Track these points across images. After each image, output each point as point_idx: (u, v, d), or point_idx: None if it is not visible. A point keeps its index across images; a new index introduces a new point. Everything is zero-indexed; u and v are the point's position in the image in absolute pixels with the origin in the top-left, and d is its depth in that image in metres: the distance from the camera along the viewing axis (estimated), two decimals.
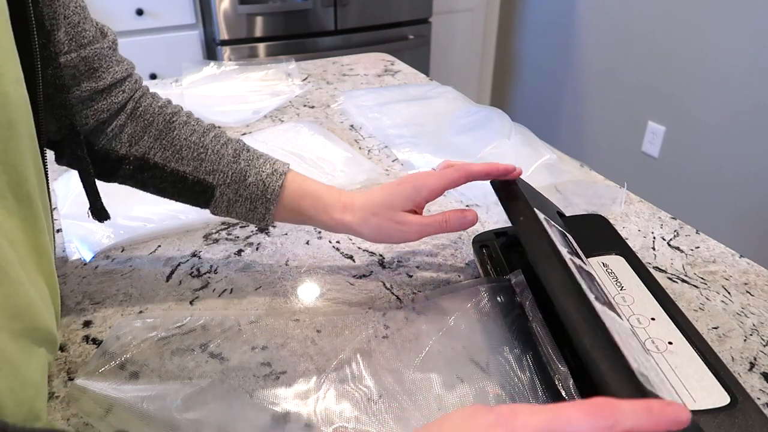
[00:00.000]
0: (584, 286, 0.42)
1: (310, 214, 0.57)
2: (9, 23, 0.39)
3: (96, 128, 0.55)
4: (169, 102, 0.59)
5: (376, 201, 0.56)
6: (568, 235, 0.55)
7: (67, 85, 0.48)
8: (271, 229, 0.70)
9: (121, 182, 0.57)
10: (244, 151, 0.57)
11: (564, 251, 0.47)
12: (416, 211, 0.57)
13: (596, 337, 0.37)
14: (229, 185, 0.56)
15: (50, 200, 0.48)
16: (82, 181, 0.54)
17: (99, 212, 0.56)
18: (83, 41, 0.52)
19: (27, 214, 0.41)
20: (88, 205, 0.55)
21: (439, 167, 0.58)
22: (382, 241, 0.58)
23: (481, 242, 0.63)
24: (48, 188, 0.47)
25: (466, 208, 0.54)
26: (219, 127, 0.59)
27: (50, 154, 0.52)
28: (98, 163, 0.55)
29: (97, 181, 0.55)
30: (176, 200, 0.58)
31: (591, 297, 0.41)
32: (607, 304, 0.44)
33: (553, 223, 0.53)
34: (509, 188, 0.55)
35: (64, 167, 0.56)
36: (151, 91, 0.59)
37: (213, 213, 0.58)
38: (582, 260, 0.51)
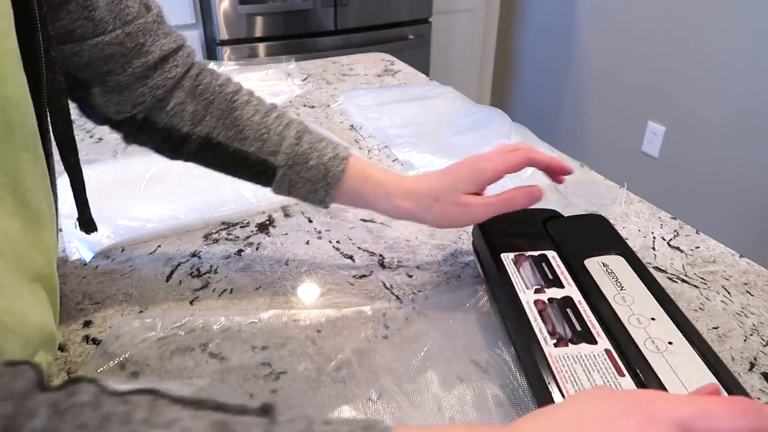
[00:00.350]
0: (538, 329, 0.48)
1: (371, 199, 0.57)
2: (13, 27, 0.39)
3: (155, 106, 0.55)
4: (229, 80, 0.58)
5: (439, 186, 0.55)
6: (549, 258, 0.56)
7: (65, 90, 0.47)
8: (271, 229, 0.70)
9: (185, 160, 0.57)
10: (306, 133, 0.57)
11: (529, 292, 0.52)
12: (478, 193, 0.56)
13: (539, 381, 0.44)
14: (291, 167, 0.56)
15: (57, 202, 0.48)
16: (72, 190, 0.53)
17: (87, 224, 0.55)
18: (127, 18, 0.51)
19: (26, 214, 0.41)
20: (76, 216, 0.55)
21: (496, 151, 0.56)
22: (446, 225, 0.57)
23: None
24: (55, 191, 0.47)
25: (531, 184, 0.55)
26: (279, 107, 0.59)
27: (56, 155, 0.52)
28: (162, 141, 0.56)
29: (87, 186, 0.54)
30: (239, 178, 0.58)
31: (543, 339, 0.47)
32: (568, 340, 0.47)
33: (529, 254, 0.57)
34: (480, 239, 0.60)
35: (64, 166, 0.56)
36: (208, 66, 0.58)
37: (274, 192, 0.58)
38: (561, 282, 0.53)
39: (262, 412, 0.27)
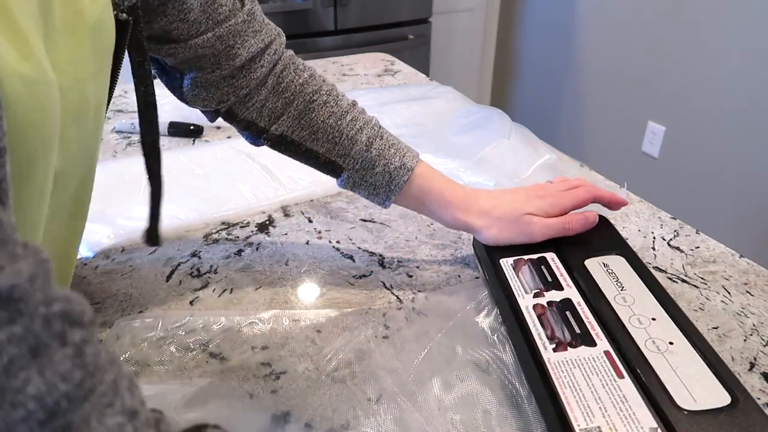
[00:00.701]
0: (537, 334, 0.48)
1: (432, 208, 0.59)
2: (112, 55, 0.40)
3: (237, 101, 0.57)
4: (312, 76, 0.59)
5: (505, 204, 0.58)
6: (549, 260, 0.56)
7: (155, 104, 0.48)
8: (271, 229, 0.70)
9: (263, 146, 0.60)
10: (377, 138, 0.58)
11: (528, 297, 0.52)
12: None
13: (538, 388, 0.45)
14: (357, 171, 0.58)
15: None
16: (150, 200, 0.52)
17: (154, 238, 0.54)
18: (219, 17, 0.52)
19: (79, 226, 0.42)
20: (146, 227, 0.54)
21: (562, 185, 0.61)
22: (504, 243, 0.59)
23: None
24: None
25: (588, 211, 0.59)
26: (358, 107, 0.60)
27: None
28: (243, 129, 0.59)
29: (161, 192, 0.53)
30: (311, 167, 0.61)
31: (542, 345, 0.47)
32: (567, 344, 0.47)
33: (527, 258, 0.57)
34: (479, 246, 0.60)
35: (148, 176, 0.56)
36: (294, 60, 0.59)
37: (340, 186, 0.60)
38: (561, 284, 0.53)
39: None
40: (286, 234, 0.69)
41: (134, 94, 0.47)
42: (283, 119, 0.57)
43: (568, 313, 0.50)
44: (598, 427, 0.39)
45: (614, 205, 0.61)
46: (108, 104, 0.43)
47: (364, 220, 0.72)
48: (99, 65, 0.37)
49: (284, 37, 0.58)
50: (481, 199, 0.59)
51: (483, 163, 0.82)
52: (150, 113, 0.48)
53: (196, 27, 0.51)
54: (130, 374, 0.25)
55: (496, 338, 0.53)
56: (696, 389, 0.42)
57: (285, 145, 0.59)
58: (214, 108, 0.57)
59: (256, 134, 0.59)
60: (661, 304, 0.50)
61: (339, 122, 0.58)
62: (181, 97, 0.57)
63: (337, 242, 0.68)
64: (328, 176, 0.61)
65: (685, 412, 0.40)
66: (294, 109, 0.57)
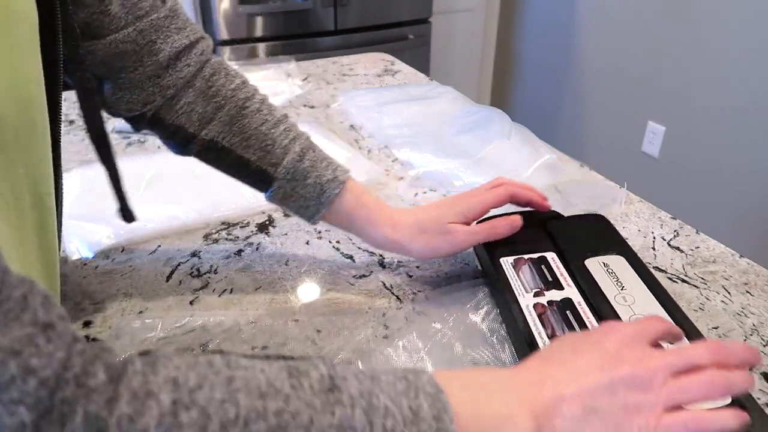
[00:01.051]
0: (537, 333, 0.48)
1: (360, 225, 0.58)
2: (37, 32, 0.39)
3: (165, 104, 0.55)
4: (244, 83, 0.58)
5: (426, 218, 0.58)
6: (549, 260, 0.56)
7: (95, 89, 0.48)
8: (271, 229, 0.70)
9: (189, 155, 0.58)
10: (310, 150, 0.57)
11: (528, 296, 0.52)
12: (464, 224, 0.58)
13: None
14: (288, 181, 0.56)
15: (61, 202, 0.48)
16: (110, 183, 0.54)
17: (127, 213, 0.56)
18: (139, 12, 0.51)
19: (39, 215, 0.41)
20: (117, 206, 0.56)
21: (481, 188, 0.60)
22: (431, 256, 0.59)
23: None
24: (60, 192, 0.47)
25: (514, 216, 0.59)
26: (290, 119, 0.59)
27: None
28: (168, 137, 0.57)
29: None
30: (237, 180, 0.59)
31: (543, 344, 0.47)
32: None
33: (527, 257, 0.57)
34: (480, 245, 0.60)
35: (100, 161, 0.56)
36: (224, 66, 0.58)
37: (267, 200, 0.59)
38: (561, 283, 0.53)
39: (321, 359, 0.33)
40: (286, 234, 0.69)
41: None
42: (214, 124, 0.56)
43: (568, 312, 0.50)
44: None
45: (536, 205, 0.60)
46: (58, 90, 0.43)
47: None
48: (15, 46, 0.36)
49: (211, 41, 0.57)
50: (407, 216, 0.58)
51: (483, 163, 0.82)
52: (90, 99, 0.48)
53: (117, 22, 0.50)
54: (45, 292, 0.27)
55: (495, 338, 0.53)
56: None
57: (215, 152, 0.56)
58: (140, 111, 0.54)
59: (184, 141, 0.56)
60: (661, 304, 0.50)
61: (272, 130, 0.56)
62: (103, 103, 0.54)
63: (337, 242, 0.68)
64: (258, 191, 0.59)
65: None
66: (225, 114, 0.56)
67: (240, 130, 0.56)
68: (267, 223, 0.71)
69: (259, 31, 2.04)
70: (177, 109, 0.55)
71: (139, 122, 0.56)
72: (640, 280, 0.53)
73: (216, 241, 0.68)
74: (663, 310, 0.49)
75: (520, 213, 0.59)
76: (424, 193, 0.78)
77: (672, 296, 0.52)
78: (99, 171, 0.53)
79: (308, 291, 0.60)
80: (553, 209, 0.65)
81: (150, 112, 0.55)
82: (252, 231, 0.70)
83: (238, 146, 0.56)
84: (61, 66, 0.43)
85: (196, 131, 0.56)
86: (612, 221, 0.63)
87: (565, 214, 0.64)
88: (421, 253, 0.58)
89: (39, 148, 0.40)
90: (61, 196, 0.49)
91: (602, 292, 0.52)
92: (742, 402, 0.40)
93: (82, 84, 0.47)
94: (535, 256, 0.57)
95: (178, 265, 0.64)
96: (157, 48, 0.52)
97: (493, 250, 0.58)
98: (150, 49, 0.52)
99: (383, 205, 0.59)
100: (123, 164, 0.73)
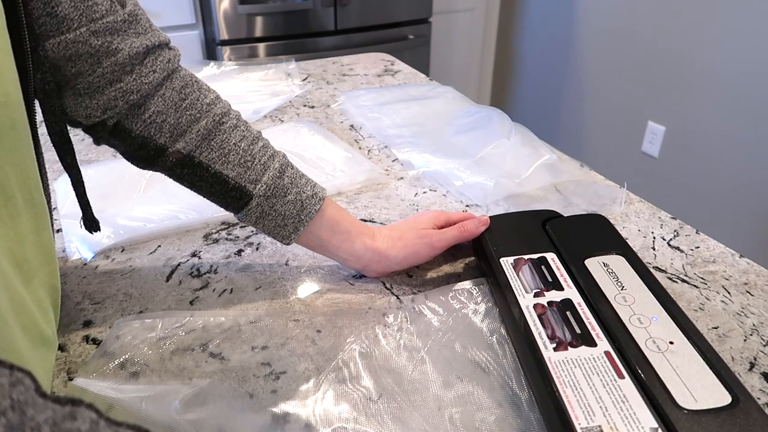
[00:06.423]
0: (537, 333, 0.48)
1: (340, 239, 0.58)
2: (5, 27, 0.39)
3: (130, 112, 0.52)
4: (218, 98, 0.56)
5: (401, 227, 0.62)
6: (549, 260, 0.57)
7: (55, 91, 0.46)
8: None
9: (158, 171, 0.55)
10: (288, 167, 0.57)
11: (529, 296, 0.52)
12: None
13: (539, 387, 0.45)
14: (267, 198, 0.55)
15: (50, 200, 0.48)
16: (74, 190, 0.53)
17: (90, 223, 0.56)
18: (94, 15, 0.48)
19: (33, 213, 0.41)
20: (80, 215, 0.55)
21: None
22: (410, 262, 0.61)
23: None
24: (47, 188, 0.47)
25: (481, 216, 0.63)
26: (264, 137, 0.58)
27: (49, 155, 0.52)
28: (136, 149, 0.53)
29: (86, 187, 0.54)
30: (208, 199, 0.56)
31: (543, 345, 0.47)
32: (568, 344, 0.47)
33: (527, 257, 0.57)
34: (480, 245, 0.62)
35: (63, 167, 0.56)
36: (197, 80, 0.56)
37: (240, 220, 0.57)
38: (561, 284, 0.54)
39: None
40: None
41: None
42: (190, 137, 0.53)
43: (568, 312, 0.50)
44: (599, 427, 0.39)
45: (468, 224, 0.62)
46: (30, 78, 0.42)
47: (364, 220, 0.72)
48: None
49: (179, 53, 0.55)
50: (382, 228, 0.61)
51: (483, 163, 0.82)
52: (51, 100, 0.46)
53: (68, 23, 0.47)
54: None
55: (495, 338, 0.53)
56: (696, 389, 0.42)
57: (189, 167, 0.54)
58: (100, 118, 0.50)
59: (153, 154, 0.53)
60: (661, 304, 0.50)
61: (251, 147, 0.55)
62: (62, 111, 0.51)
63: None
64: (230, 212, 0.57)
65: (686, 412, 0.40)
66: (202, 128, 0.53)
67: (219, 145, 0.54)
68: None
69: (259, 31, 2.04)
70: (145, 118, 0.52)
71: (99, 132, 0.52)
72: (640, 280, 0.53)
73: (216, 241, 0.68)
74: (663, 310, 0.49)
75: (520, 213, 0.59)
76: (424, 193, 0.78)
77: (672, 296, 0.51)
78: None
79: (308, 291, 0.60)
80: (553, 209, 0.65)
81: (112, 119, 0.51)
82: (252, 231, 0.70)
83: (216, 162, 0.54)
84: (30, 65, 0.43)
85: (167, 143, 0.53)
86: (612, 221, 0.63)
87: (565, 214, 0.64)
88: (401, 256, 0.59)
89: (23, 146, 0.40)
90: (49, 195, 0.48)
91: (602, 292, 0.52)
92: (741, 400, 0.40)
93: (42, 86, 0.45)
94: (535, 256, 0.57)
95: (178, 265, 0.64)
96: (115, 48, 0.49)
97: (493, 250, 0.58)
98: (107, 50, 0.49)
99: (360, 222, 0.61)
100: (123, 164, 0.73)
